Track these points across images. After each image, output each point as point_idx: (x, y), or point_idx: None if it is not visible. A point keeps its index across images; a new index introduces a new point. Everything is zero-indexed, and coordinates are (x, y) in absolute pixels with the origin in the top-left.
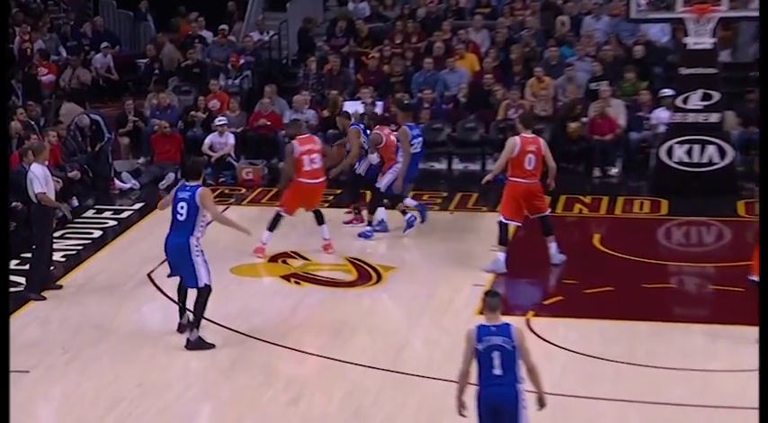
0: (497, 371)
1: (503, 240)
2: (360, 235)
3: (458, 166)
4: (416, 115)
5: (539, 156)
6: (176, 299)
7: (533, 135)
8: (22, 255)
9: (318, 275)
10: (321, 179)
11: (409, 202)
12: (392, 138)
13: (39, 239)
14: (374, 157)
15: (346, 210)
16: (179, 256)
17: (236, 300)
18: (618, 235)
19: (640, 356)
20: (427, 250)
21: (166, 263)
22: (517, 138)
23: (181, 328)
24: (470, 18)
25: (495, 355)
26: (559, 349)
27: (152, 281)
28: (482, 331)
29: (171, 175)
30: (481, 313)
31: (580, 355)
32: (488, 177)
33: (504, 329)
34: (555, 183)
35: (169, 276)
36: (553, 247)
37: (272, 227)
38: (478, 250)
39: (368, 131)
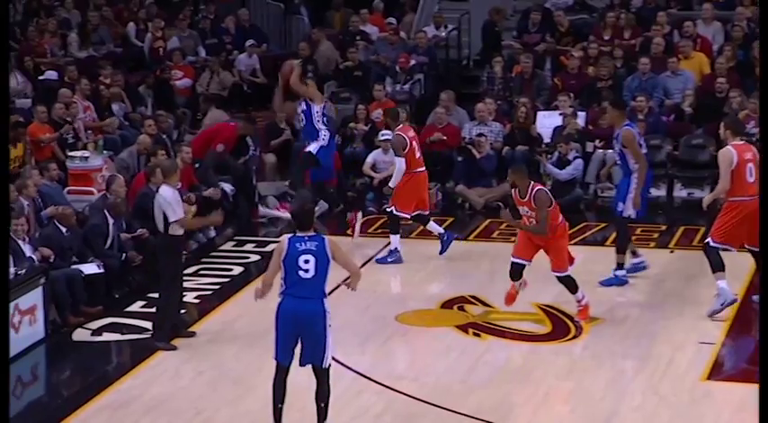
0: None
1: (717, 266)
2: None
3: (680, 193)
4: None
5: (756, 165)
6: (276, 397)
7: (743, 142)
8: (149, 295)
9: (503, 326)
10: None
11: (434, 226)
12: (415, 144)
13: (167, 277)
14: (400, 162)
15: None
16: (311, 325)
17: (401, 355)
18: None
19: None
20: (641, 297)
21: (281, 335)
22: (729, 147)
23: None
24: (698, 8)
25: None
26: None
27: None
28: None
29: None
30: (709, 378)
31: None
32: (709, 198)
33: None
34: None
35: (284, 360)
36: None
37: (574, 287)
38: (706, 297)
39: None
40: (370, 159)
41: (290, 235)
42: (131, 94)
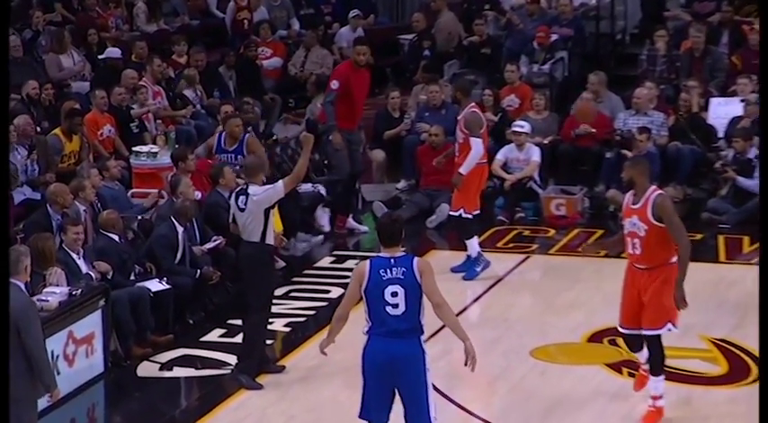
0: None
1: None
2: None
3: None
4: None
5: None
6: None
7: None
8: (230, 321)
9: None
10: None
11: (474, 244)
12: None
13: (259, 296)
14: (477, 144)
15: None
16: (407, 370)
17: (538, 398)
18: None
19: None
20: None
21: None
22: None
23: None
24: None
25: None
26: None
27: None
28: None
29: (444, 208)
30: None
31: None
32: None
33: None
34: None
35: (376, 419)
36: None
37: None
38: None
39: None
40: (500, 156)
41: (373, 257)
42: (209, 75)
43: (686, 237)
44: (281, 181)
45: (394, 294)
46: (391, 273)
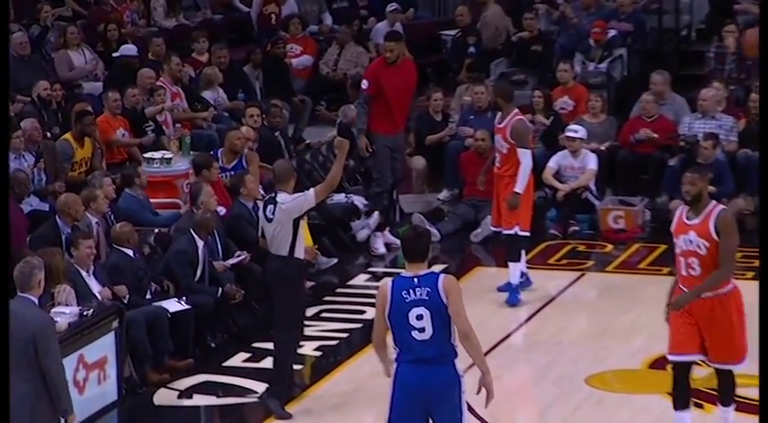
0: None
1: None
2: None
3: None
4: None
5: None
6: None
7: None
8: (255, 344)
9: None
10: None
11: (521, 267)
12: None
13: (285, 317)
14: (527, 156)
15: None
16: (444, 398)
17: None
18: None
19: None
20: None
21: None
22: None
23: None
24: None
25: None
26: None
27: None
28: None
29: (490, 221)
30: None
31: None
32: None
33: None
34: None
35: None
36: None
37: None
38: None
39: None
40: (552, 164)
41: (394, 277)
42: (233, 75)
43: (733, 264)
44: (312, 189)
45: (419, 317)
46: (414, 294)
